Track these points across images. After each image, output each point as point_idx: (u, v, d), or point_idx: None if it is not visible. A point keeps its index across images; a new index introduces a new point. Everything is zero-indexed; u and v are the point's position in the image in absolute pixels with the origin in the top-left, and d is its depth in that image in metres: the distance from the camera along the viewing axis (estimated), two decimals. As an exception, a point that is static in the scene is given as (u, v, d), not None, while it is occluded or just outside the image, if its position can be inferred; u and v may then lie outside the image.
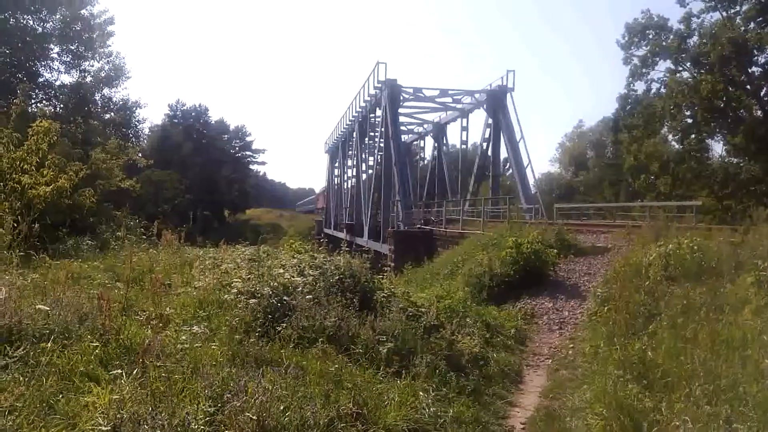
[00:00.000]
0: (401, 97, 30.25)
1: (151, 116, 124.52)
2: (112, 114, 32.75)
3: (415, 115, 36.86)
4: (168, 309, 5.86)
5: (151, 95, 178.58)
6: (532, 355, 7.93)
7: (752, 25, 30.08)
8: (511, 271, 10.95)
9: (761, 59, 30.24)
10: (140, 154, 30.78)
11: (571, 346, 7.73)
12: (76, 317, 4.76)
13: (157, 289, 6.17)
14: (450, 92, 32.42)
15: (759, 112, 30.43)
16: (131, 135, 35.09)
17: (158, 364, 3.92)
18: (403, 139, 36.84)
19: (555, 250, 11.85)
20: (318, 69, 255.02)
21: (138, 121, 37.05)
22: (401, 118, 33.42)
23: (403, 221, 24.24)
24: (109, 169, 19.33)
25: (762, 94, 30.65)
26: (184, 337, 4.93)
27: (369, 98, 32.33)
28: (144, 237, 13.65)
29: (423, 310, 7.55)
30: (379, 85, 29.52)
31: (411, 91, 31.24)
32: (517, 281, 10.85)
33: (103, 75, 30.90)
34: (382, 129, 29.71)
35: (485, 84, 31.81)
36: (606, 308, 7.89)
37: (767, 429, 3.27)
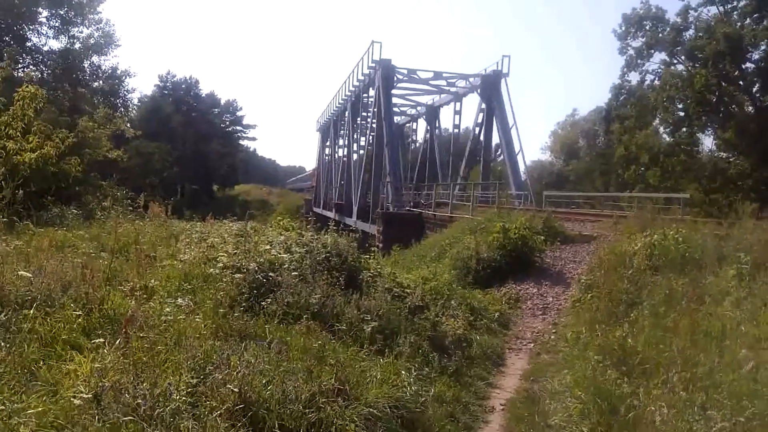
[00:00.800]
0: (395, 78, 30.02)
1: (141, 86, 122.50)
2: (101, 82, 32.19)
3: (408, 97, 36.64)
4: (153, 281, 5.83)
5: (141, 65, 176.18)
6: (514, 338, 8.01)
7: (748, 21, 30.11)
8: (498, 256, 11.02)
9: (755, 56, 30.34)
10: (129, 125, 30.28)
11: (554, 331, 7.83)
12: (59, 285, 4.71)
13: (142, 261, 6.13)
14: (444, 75, 32.23)
15: (750, 108, 30.60)
16: (120, 105, 34.54)
17: (141, 335, 3.90)
18: (395, 121, 36.70)
19: (542, 237, 11.93)
20: (311, 46, 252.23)
21: (127, 90, 36.42)
22: (394, 100, 33.22)
23: (393, 203, 24.24)
24: (97, 139, 19.06)
25: (754, 90, 30.79)
26: (168, 309, 4.91)
27: (363, 77, 32.06)
28: (131, 208, 13.52)
29: (408, 291, 7.58)
30: (374, 65, 29.26)
31: (405, 72, 30.98)
32: (504, 266, 10.93)
33: (92, 42, 30.24)
34: (375, 109, 29.55)
35: (481, 68, 31.73)
36: (589, 295, 7.99)
37: (741, 416, 3.34)
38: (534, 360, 6.98)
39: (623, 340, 5.22)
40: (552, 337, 7.59)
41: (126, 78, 34.95)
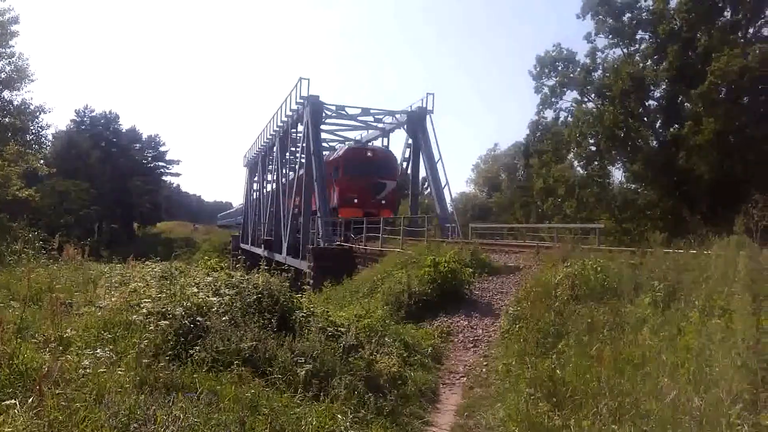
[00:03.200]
0: (324, 114, 30.26)
1: (58, 122, 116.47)
2: (12, 118, 30.43)
3: (337, 133, 36.86)
4: (69, 331, 5.49)
5: (60, 100, 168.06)
6: (448, 373, 8.08)
7: (649, 62, 32.84)
8: (429, 290, 11.15)
9: (657, 94, 33.03)
10: (42, 162, 28.68)
11: (485, 363, 7.95)
12: (-38, 341, 4.34)
13: (58, 309, 5.75)
14: (372, 111, 32.83)
15: (654, 143, 33.08)
16: (32, 141, 32.70)
17: (57, 392, 3.65)
18: (325, 156, 36.79)
19: (470, 269, 12.19)
20: (238, 81, 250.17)
21: (41, 126, 34.60)
22: (323, 135, 33.35)
23: (323, 238, 24.10)
24: (6, 177, 17.90)
25: (657, 125, 33.38)
26: (86, 362, 4.61)
27: (291, 113, 32.08)
28: (44, 251, 12.70)
29: (342, 329, 7.51)
30: (302, 101, 29.38)
31: (333, 108, 31.32)
32: (435, 299, 11.06)
33: (3, 76, 28.70)
34: (304, 144, 29.54)
35: (407, 105, 32.53)
36: (517, 326, 8.21)
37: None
38: (467, 394, 7.05)
39: (552, 372, 5.38)
40: (483, 370, 7.71)
41: (40, 113, 33.22)
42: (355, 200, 28.18)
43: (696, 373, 4.42)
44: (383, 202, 28.82)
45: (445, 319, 10.36)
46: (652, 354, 5.03)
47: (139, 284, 8.46)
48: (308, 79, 29.59)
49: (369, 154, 30.58)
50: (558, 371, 5.36)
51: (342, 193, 28.50)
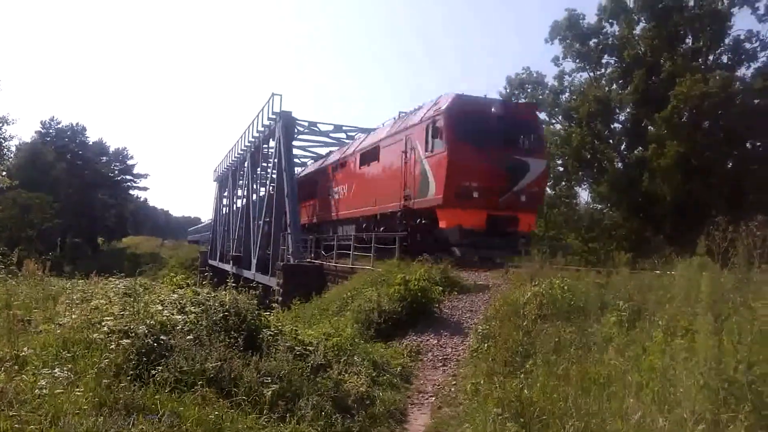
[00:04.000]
0: (296, 130, 30.24)
1: (22, 133, 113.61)
2: (-29, 129, 29.61)
3: (309, 149, 36.87)
4: (26, 349, 5.28)
5: (25, 112, 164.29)
6: (416, 392, 8.03)
7: (615, 86, 33.83)
8: (399, 308, 11.12)
9: (622, 117, 33.99)
10: (4, 174, 27.86)
11: (454, 383, 7.93)
12: None
13: (14, 327, 5.55)
14: (344, 128, 32.99)
15: (620, 164, 33.93)
16: (-6, 153, 31.86)
17: (11, 414, 3.50)
18: (296, 172, 36.65)
19: (440, 288, 12.21)
20: (209, 97, 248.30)
21: (4, 138, 33.76)
22: (295, 151, 33.31)
23: (294, 254, 23.89)
24: (-36, 189, 17.31)
25: (622, 147, 34.28)
26: (43, 382, 4.44)
27: (263, 128, 31.93)
28: (2, 266, 12.26)
29: (311, 348, 7.42)
30: (274, 117, 29.29)
31: (306, 124, 31.38)
32: (405, 318, 11.03)
33: (-38, 86, 27.96)
34: (275, 160, 29.38)
35: (379, 123, 32.73)
36: (486, 345, 8.22)
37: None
38: (436, 414, 7.01)
39: (520, 391, 5.39)
40: (452, 389, 7.68)
41: (3, 125, 32.44)
42: (475, 193, 15.62)
43: (660, 393, 4.48)
44: (523, 198, 16.16)
45: (415, 338, 10.33)
46: (618, 373, 5.09)
47: (102, 301, 8.20)
48: (281, 95, 29.59)
49: (498, 109, 17.11)
50: (526, 391, 5.37)
51: (450, 178, 15.62)
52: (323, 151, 37.65)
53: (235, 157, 41.40)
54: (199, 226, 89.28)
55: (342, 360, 7.50)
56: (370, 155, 22.04)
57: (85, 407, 4.19)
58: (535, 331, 7.70)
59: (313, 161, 40.82)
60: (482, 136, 15.93)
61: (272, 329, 7.66)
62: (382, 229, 20.05)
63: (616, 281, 8.63)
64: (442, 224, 16.19)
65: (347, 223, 24.42)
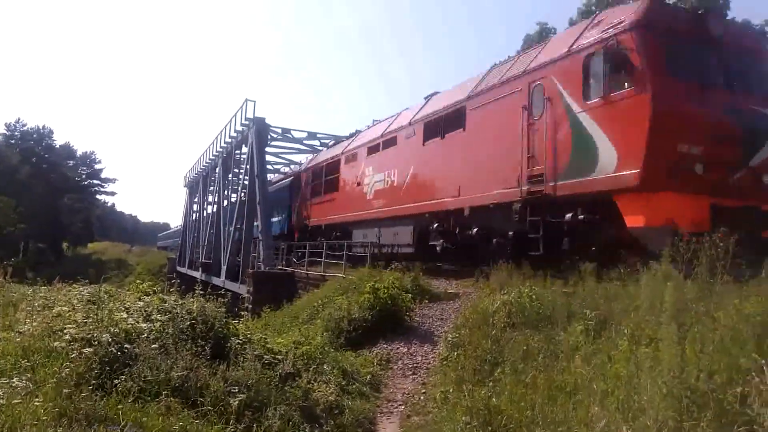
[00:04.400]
0: (269, 136, 30.07)
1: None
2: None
3: (282, 155, 36.69)
4: (-18, 358, 5.10)
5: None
6: (386, 401, 8.00)
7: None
8: (369, 316, 11.09)
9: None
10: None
11: (423, 391, 7.94)
12: None
13: (-30, 335, 5.35)
14: (318, 135, 32.99)
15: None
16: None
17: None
18: (269, 179, 36.38)
19: (411, 296, 12.23)
20: (181, 102, 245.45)
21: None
22: (268, 158, 33.11)
23: (264, 262, 23.66)
24: None
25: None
26: (0, 392, 4.30)
27: (235, 134, 31.66)
28: (-41, 272, 11.83)
29: (280, 357, 7.34)
30: (247, 122, 29.07)
31: (279, 131, 31.25)
32: (375, 326, 11.01)
33: None
34: (247, 166, 29.12)
35: (353, 129, 32.75)
36: (456, 354, 8.26)
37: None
38: (405, 423, 7.00)
39: (488, 400, 5.43)
40: (422, 398, 7.69)
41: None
42: (698, 166, 9.12)
43: (625, 401, 4.55)
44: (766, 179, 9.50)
45: (385, 346, 10.31)
46: (584, 382, 5.15)
47: (64, 308, 7.98)
48: (254, 101, 29.44)
49: (717, 29, 10.33)
50: (494, 399, 5.41)
51: (658, 138, 9.13)
52: (297, 158, 37.51)
53: (206, 163, 40.92)
54: (170, 231, 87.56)
55: (311, 369, 7.44)
56: (444, 124, 15.25)
57: (44, 418, 4.06)
58: (504, 339, 7.76)
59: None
60: (701, 70, 9.89)
61: (241, 337, 7.56)
62: (474, 231, 13.78)
63: (582, 291, 8.75)
64: (633, 221, 9.51)
65: (394, 222, 17.89)
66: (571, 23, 32.90)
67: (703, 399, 4.08)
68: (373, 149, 20.40)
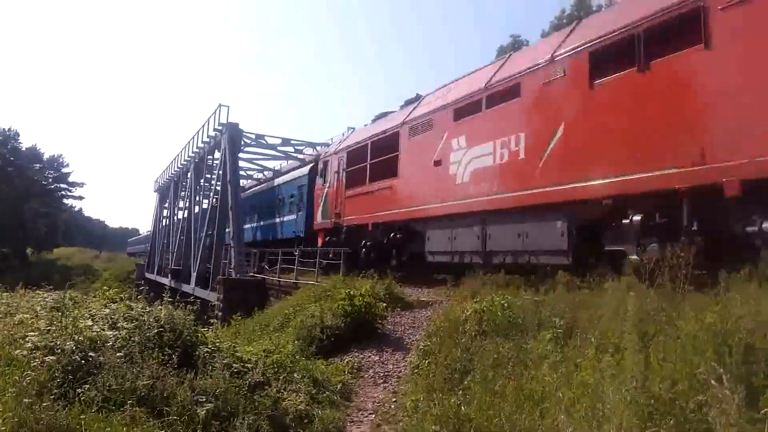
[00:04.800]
0: (242, 142, 29.85)
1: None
2: None
3: (255, 161, 36.45)
4: (-62, 367, 4.94)
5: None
6: (356, 410, 7.97)
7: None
8: (342, 324, 11.05)
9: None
10: None
11: (394, 400, 7.93)
12: None
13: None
14: (292, 142, 32.88)
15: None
16: None
17: None
18: (242, 185, 36.08)
19: (384, 304, 12.23)
20: (152, 108, 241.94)
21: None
22: (241, 163, 32.88)
23: (235, 269, 23.41)
24: None
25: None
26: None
27: (208, 139, 31.38)
28: None
29: (249, 365, 7.27)
30: (220, 127, 28.84)
31: (253, 137, 31.06)
32: (348, 334, 10.96)
33: None
34: (220, 172, 28.84)
35: (328, 138, 32.68)
36: (427, 362, 8.28)
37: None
38: (375, 432, 6.98)
39: (457, 408, 5.46)
40: (392, 406, 7.67)
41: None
42: None
43: (590, 409, 4.62)
44: None
45: (357, 354, 10.28)
46: (551, 390, 5.22)
47: (27, 315, 7.80)
48: (228, 106, 29.21)
49: None
50: (463, 408, 5.44)
51: None
52: (271, 164, 37.31)
53: (177, 168, 40.41)
54: (139, 237, 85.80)
55: (281, 377, 7.37)
56: (650, 42, 9.15)
57: (3, 428, 3.96)
58: (475, 347, 7.80)
59: (259, 173, 39.90)
60: None
61: (210, 346, 7.47)
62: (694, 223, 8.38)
63: (552, 299, 8.87)
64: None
65: (518, 217, 11.95)
66: (543, 35, 33.52)
67: (665, 407, 4.18)
68: (465, 110, 13.70)
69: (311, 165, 24.92)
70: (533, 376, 6.01)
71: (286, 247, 22.70)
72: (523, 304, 9.10)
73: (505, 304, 9.19)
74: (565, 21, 30.34)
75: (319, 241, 21.30)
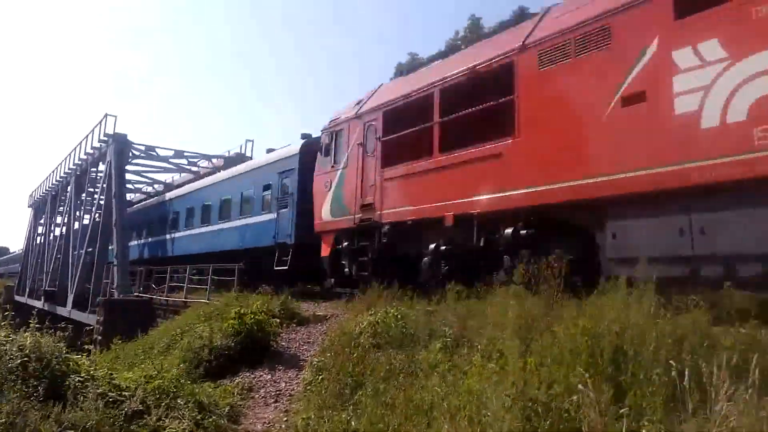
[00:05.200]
0: (131, 153, 28.22)
1: None
2: None
3: (145, 174, 34.55)
4: None
5: None
6: (245, 433, 7.66)
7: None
8: (232, 344, 10.61)
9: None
10: None
11: (285, 419, 7.71)
12: None
13: None
14: (186, 154, 31.57)
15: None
16: None
17: None
18: (129, 199, 34.01)
19: (278, 320, 11.93)
20: (28, 116, 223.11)
21: None
22: (129, 176, 31.06)
23: (119, 288, 21.91)
24: None
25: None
26: None
27: (92, 151, 29.33)
28: None
29: (127, 393, 6.75)
30: (106, 138, 27.10)
31: (143, 148, 29.47)
32: (238, 354, 10.54)
33: None
34: (105, 185, 27.00)
35: (224, 150, 31.66)
36: (320, 378, 8.15)
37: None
38: (265, 454, 6.73)
39: (347, 424, 5.39)
40: (283, 426, 7.45)
41: None
42: None
43: (475, 415, 4.74)
44: None
45: (248, 374, 9.92)
46: (439, 399, 5.30)
47: None
48: (115, 116, 27.54)
49: None
50: (353, 423, 5.38)
51: None
52: (162, 177, 35.46)
53: (56, 181, 37.38)
54: (9, 256, 77.85)
55: (163, 404, 6.91)
56: None
57: None
58: (368, 360, 7.79)
59: (149, 186, 37.78)
60: None
61: (83, 374, 6.86)
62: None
63: (443, 310, 9.08)
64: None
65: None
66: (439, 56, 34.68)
67: (543, 409, 4.37)
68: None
69: (304, 141, 18.16)
70: (423, 386, 6.08)
71: (237, 261, 17.87)
72: (417, 315, 9.25)
73: (399, 316, 9.29)
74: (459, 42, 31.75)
75: (324, 249, 15.03)
